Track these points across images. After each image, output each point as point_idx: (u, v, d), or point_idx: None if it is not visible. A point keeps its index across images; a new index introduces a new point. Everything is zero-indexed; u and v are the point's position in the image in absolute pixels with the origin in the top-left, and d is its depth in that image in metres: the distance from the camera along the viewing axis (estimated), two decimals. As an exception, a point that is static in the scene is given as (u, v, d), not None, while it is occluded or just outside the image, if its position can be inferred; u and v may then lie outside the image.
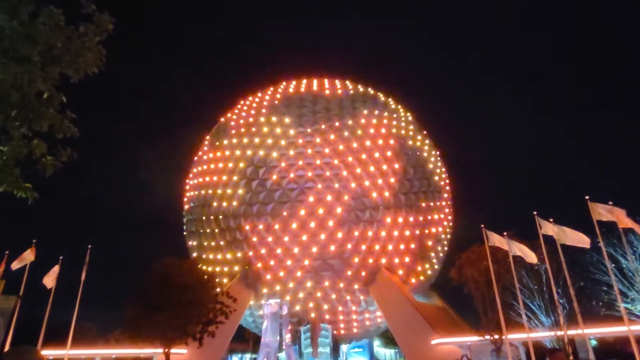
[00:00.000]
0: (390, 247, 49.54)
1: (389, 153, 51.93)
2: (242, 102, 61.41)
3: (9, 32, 5.39)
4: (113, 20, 6.25)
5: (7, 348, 31.36)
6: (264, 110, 55.57)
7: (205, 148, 58.81)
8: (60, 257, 37.40)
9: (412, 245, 50.96)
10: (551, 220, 29.51)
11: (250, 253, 49.29)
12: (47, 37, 5.60)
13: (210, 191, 52.96)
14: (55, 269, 36.56)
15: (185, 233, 58.33)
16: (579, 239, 27.61)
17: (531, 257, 29.99)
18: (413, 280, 51.96)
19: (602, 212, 27.09)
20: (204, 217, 53.07)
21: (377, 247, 49.08)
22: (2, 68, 5.43)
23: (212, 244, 52.03)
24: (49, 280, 36.01)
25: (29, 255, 34.29)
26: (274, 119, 53.64)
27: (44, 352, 35.58)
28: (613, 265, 29.30)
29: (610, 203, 27.23)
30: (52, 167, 6.16)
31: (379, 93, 61.35)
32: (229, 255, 50.59)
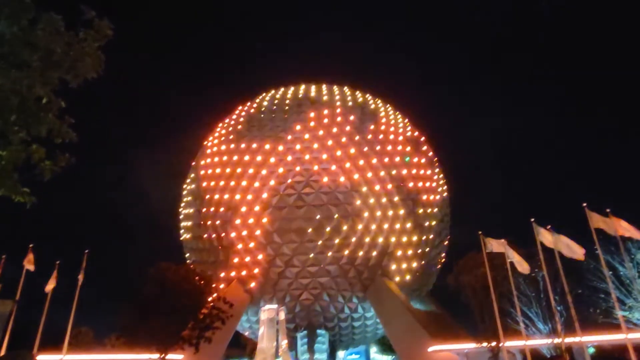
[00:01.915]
0: (387, 253, 49.51)
1: (386, 159, 52.06)
2: (240, 108, 61.61)
3: (9, 38, 5.43)
4: (112, 27, 6.29)
5: (2, 352, 31.16)
6: (262, 116, 55.78)
7: (202, 154, 58.87)
8: (57, 262, 37.25)
9: (410, 252, 50.98)
10: (549, 227, 29.56)
11: (247, 259, 49.20)
12: (47, 43, 5.64)
13: (207, 196, 52.92)
14: (54, 274, 36.40)
15: (181, 238, 58.21)
16: (574, 250, 27.63)
17: (524, 267, 30.01)
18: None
19: (600, 221, 27.15)
20: (200, 222, 52.99)
21: (374, 253, 49.07)
22: (1, 73, 5.47)
23: (209, 249, 51.91)
24: (49, 285, 35.89)
25: (31, 260, 34.30)
26: (271, 123, 53.82)
27: (40, 357, 35.33)
28: (611, 272, 29.28)
29: (608, 211, 27.30)
30: (50, 171, 6.18)
31: (377, 99, 61.69)
32: (225, 261, 50.44)
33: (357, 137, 52.36)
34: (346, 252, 48.10)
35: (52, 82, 5.96)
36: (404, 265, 50.60)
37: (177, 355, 37.70)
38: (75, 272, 37.25)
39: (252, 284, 49.38)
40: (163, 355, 33.62)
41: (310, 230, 47.81)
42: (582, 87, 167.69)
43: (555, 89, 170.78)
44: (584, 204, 27.74)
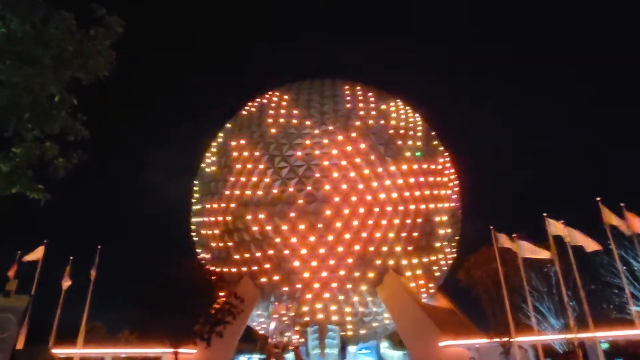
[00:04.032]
0: (398, 249, 49.41)
1: (397, 154, 51.81)
2: (248, 105, 61.68)
3: (21, 37, 5.49)
4: (123, 24, 6.32)
5: (20, 347, 31.78)
6: (272, 112, 55.75)
7: (214, 150, 59.15)
8: (71, 258, 37.80)
9: (421, 247, 50.73)
10: (562, 221, 29.18)
11: (258, 254, 49.44)
12: (59, 41, 5.69)
13: (218, 192, 53.22)
14: (67, 271, 36.91)
15: (193, 234, 58.69)
16: (589, 243, 27.32)
17: (544, 253, 29.63)
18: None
19: (614, 216, 26.75)
20: (212, 219, 53.36)
21: (384, 248, 48.97)
22: (15, 71, 5.54)
23: (220, 244, 52.29)
24: (65, 282, 36.39)
25: (39, 252, 34.62)
26: (281, 120, 53.82)
27: (56, 351, 35.98)
28: (624, 267, 28.81)
29: (622, 205, 26.86)
30: (64, 168, 6.25)
31: (387, 92, 61.31)
32: (236, 257, 50.78)
33: (367, 132, 52.21)
34: (357, 247, 48.07)
35: (64, 80, 6.01)
36: (415, 260, 50.42)
37: (190, 350, 38.17)
38: (88, 268, 37.78)
39: (263, 279, 49.68)
40: (176, 349, 34.02)
41: (320, 225, 47.85)
42: (596, 81, 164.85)
43: (568, 83, 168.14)
44: (598, 199, 27.32)
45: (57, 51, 5.68)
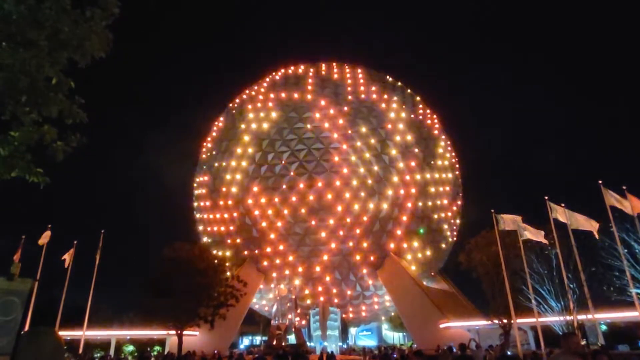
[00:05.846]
0: (399, 232, 49.60)
1: (397, 138, 51.62)
2: (249, 88, 61.25)
3: (15, 17, 5.38)
4: (119, 4, 6.17)
5: (26, 329, 32.24)
6: (272, 96, 55.36)
7: (214, 134, 59.04)
8: (75, 242, 38.04)
9: (421, 231, 50.97)
10: (562, 205, 29.14)
11: (258, 236, 49.72)
12: (54, 21, 5.57)
13: (219, 176, 53.32)
14: (70, 252, 37.17)
15: (195, 218, 59.00)
16: (589, 224, 27.36)
17: (539, 237, 29.74)
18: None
19: (615, 199, 26.66)
20: (213, 202, 53.57)
21: (386, 231, 49.15)
22: (10, 53, 5.44)
23: (222, 228, 52.60)
24: (67, 258, 36.67)
25: (47, 236, 34.81)
26: (281, 104, 53.47)
27: (61, 334, 36.44)
28: (625, 250, 28.81)
29: (624, 188, 26.73)
30: (62, 152, 6.20)
31: (387, 76, 60.78)
32: (238, 240, 51.12)
33: (368, 115, 51.88)
34: (358, 230, 48.28)
35: (60, 61, 5.91)
36: (416, 244, 50.70)
37: (193, 332, 38.73)
38: (94, 252, 38.08)
39: (265, 263, 50.10)
40: (179, 331, 34.49)
41: (321, 209, 47.98)
42: (598, 64, 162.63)
43: (570, 66, 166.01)
44: (600, 181, 27.22)
45: (52, 32, 5.57)
